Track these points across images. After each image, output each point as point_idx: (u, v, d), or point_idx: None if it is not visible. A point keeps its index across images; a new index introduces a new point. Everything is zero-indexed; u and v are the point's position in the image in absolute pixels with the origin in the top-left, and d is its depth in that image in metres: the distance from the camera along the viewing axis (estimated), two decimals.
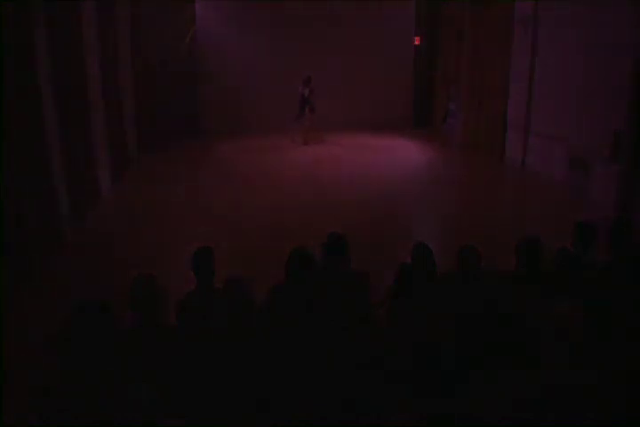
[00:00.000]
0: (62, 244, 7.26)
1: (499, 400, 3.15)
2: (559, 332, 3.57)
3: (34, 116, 6.68)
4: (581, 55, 9.24)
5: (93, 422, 2.85)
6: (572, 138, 9.55)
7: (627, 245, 4.36)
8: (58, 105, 7.32)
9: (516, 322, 3.70)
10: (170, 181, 10.40)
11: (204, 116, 14.13)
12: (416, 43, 15.09)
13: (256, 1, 13.83)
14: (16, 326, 5.14)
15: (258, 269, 5.84)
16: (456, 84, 13.73)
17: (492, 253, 4.41)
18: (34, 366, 3.79)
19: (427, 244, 4.20)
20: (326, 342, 3.48)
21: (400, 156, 12.39)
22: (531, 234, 4.19)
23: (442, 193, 9.62)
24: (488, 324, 3.66)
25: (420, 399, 3.11)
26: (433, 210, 8.84)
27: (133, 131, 11.86)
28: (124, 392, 2.94)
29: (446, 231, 7.84)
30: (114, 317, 3.03)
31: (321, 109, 13.75)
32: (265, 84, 14.23)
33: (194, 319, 3.73)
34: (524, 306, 3.80)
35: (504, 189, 9.84)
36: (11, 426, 3.64)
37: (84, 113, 8.57)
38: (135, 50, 12.03)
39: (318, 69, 14.11)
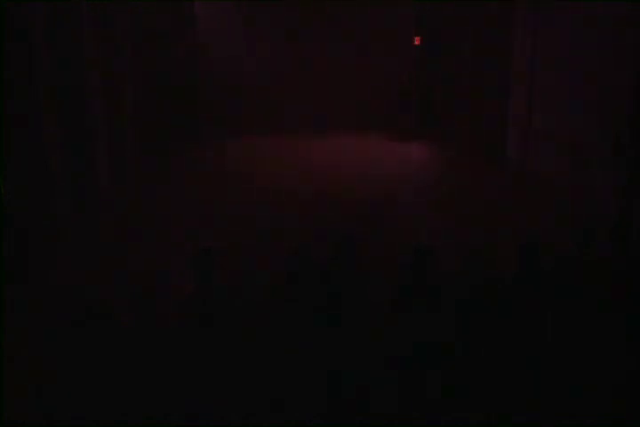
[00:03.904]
0: (62, 244, 7.26)
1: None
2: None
3: (33, 116, 6.68)
4: (582, 55, 9.24)
5: (94, 421, 2.85)
6: (572, 138, 9.55)
7: (627, 245, 4.36)
8: (57, 105, 7.32)
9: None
10: (170, 181, 10.40)
11: (203, 116, 14.13)
12: (416, 43, 15.08)
13: (256, 1, 13.84)
14: (16, 326, 5.14)
15: (258, 269, 5.87)
16: (456, 84, 13.71)
17: (492, 253, 4.40)
18: (34, 366, 3.79)
19: (428, 245, 4.19)
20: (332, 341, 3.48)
21: (400, 155, 12.39)
22: (531, 234, 4.19)
23: (441, 193, 9.63)
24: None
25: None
26: (432, 210, 8.84)
27: (133, 131, 11.85)
28: (125, 392, 2.94)
29: (446, 231, 7.83)
30: (114, 317, 3.03)
31: (320, 110, 13.76)
32: (264, 84, 14.23)
33: (194, 319, 3.73)
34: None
35: (504, 189, 9.83)
36: (11, 426, 3.64)
37: (83, 114, 8.57)
38: (135, 50, 12.02)
39: (318, 69, 14.12)
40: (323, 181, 10.37)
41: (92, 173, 8.88)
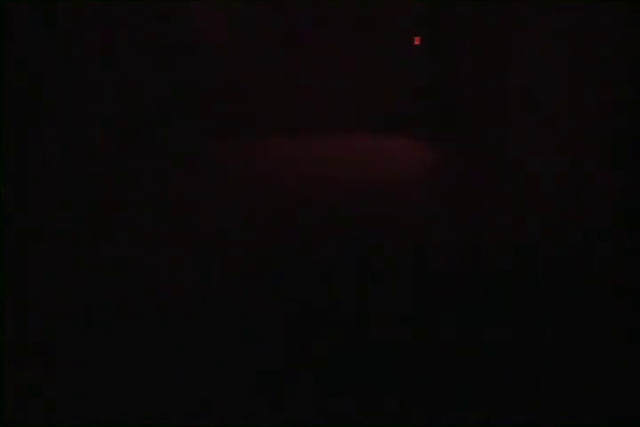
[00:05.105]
0: (62, 244, 7.26)
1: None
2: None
3: (33, 116, 6.68)
4: (582, 54, 9.25)
5: (94, 422, 2.85)
6: (572, 138, 9.56)
7: (627, 245, 4.37)
8: (57, 105, 7.32)
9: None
10: (170, 180, 10.40)
11: (204, 115, 14.14)
12: (416, 43, 15.12)
13: (255, 1, 13.87)
14: (15, 326, 5.14)
15: (259, 269, 5.87)
16: (456, 84, 13.74)
17: (492, 253, 4.41)
18: (34, 366, 3.79)
19: (425, 245, 4.20)
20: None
21: (400, 155, 12.40)
22: (531, 234, 4.20)
23: (441, 192, 9.63)
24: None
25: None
26: (432, 210, 8.85)
27: (134, 131, 11.85)
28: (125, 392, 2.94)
29: (446, 231, 7.83)
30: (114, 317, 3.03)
31: (319, 110, 13.75)
32: (263, 84, 14.25)
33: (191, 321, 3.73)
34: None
35: (504, 190, 9.83)
36: (11, 426, 3.64)
37: (83, 113, 8.56)
38: (136, 49, 12.02)
39: (318, 69, 14.13)
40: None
41: (93, 173, 8.88)
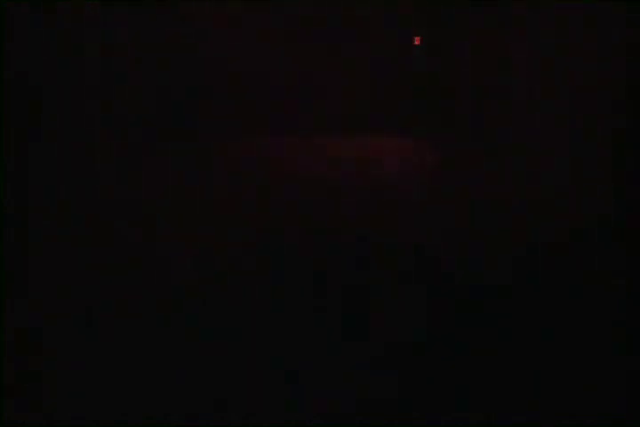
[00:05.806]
0: (62, 244, 7.25)
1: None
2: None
3: (33, 116, 6.68)
4: (582, 54, 9.25)
5: (94, 422, 2.85)
6: (572, 137, 9.56)
7: (627, 244, 4.37)
8: (57, 105, 7.33)
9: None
10: (170, 180, 10.41)
11: (204, 115, 14.15)
12: (416, 43, 15.13)
13: (255, 1, 13.88)
14: (15, 326, 5.14)
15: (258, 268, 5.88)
16: (456, 84, 13.75)
17: (492, 253, 4.40)
18: (33, 366, 3.79)
19: (425, 245, 4.21)
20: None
21: (400, 155, 12.40)
22: (531, 233, 4.20)
23: (441, 192, 9.63)
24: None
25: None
26: (432, 210, 8.84)
27: (133, 131, 11.85)
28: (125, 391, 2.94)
29: (447, 230, 7.83)
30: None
31: (319, 110, 13.76)
32: (262, 84, 14.26)
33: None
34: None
35: (504, 190, 9.83)
36: (11, 426, 3.63)
37: (83, 113, 8.57)
38: (136, 49, 12.03)
39: (317, 69, 14.13)
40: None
41: (92, 173, 8.89)
